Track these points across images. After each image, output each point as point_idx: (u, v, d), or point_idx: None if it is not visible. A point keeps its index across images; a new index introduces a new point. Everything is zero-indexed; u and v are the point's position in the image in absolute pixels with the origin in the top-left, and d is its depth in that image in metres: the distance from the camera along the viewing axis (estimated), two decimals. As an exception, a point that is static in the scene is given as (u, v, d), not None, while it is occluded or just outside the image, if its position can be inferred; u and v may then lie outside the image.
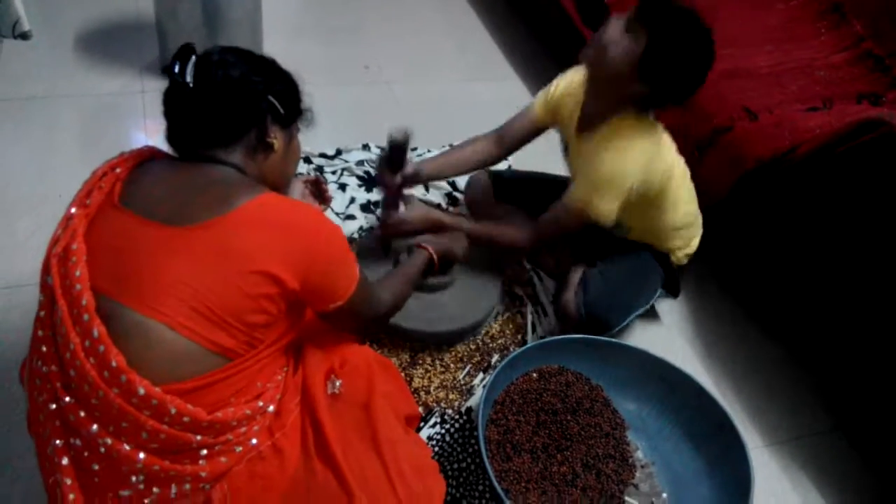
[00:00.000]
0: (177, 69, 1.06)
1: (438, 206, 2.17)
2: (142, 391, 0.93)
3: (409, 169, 1.75)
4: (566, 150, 1.80)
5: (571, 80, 1.74)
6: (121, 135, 2.28)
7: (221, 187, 1.04)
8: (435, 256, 1.66)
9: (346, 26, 3.04)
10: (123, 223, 1.02)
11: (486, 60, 3.00)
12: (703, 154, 1.94)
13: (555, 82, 1.78)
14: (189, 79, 1.05)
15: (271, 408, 1.12)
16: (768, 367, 1.93)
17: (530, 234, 1.71)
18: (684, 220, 1.77)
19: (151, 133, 2.28)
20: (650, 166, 1.55)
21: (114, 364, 0.93)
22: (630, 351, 1.63)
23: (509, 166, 2.34)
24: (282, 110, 1.13)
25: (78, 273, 0.98)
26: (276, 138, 1.13)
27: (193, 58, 1.07)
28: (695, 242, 1.84)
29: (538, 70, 2.92)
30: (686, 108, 2.04)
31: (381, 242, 1.88)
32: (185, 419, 0.97)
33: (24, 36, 2.10)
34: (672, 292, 1.90)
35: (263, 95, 1.10)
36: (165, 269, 0.97)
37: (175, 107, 1.10)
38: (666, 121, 1.79)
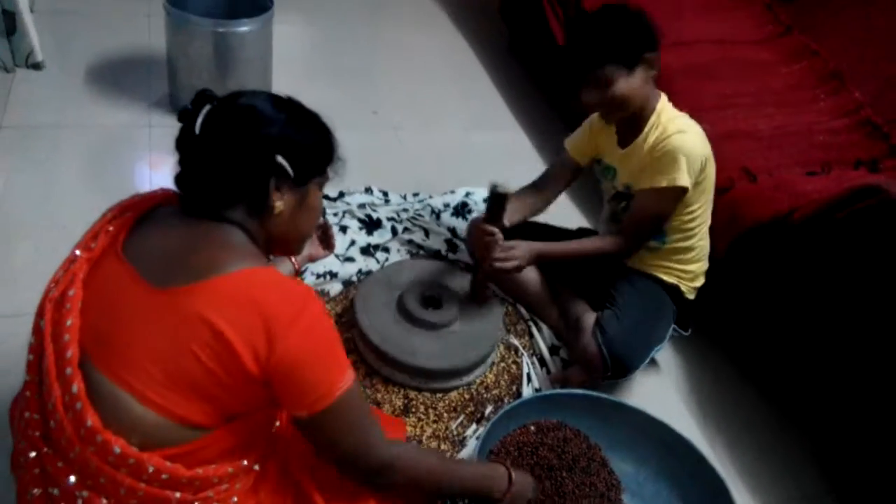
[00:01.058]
0: (188, 114, 1.02)
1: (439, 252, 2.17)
2: (118, 450, 0.91)
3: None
4: (605, 172, 1.87)
5: (595, 120, 1.86)
6: (126, 167, 2.30)
7: (213, 250, 0.98)
8: (510, 493, 1.26)
9: (355, 71, 3.10)
10: (118, 276, 0.99)
11: (489, 110, 3.04)
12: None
13: (582, 128, 1.90)
14: (198, 128, 1.00)
15: (256, 466, 1.08)
16: (763, 428, 1.92)
17: (625, 237, 1.75)
18: (704, 236, 1.82)
19: (156, 167, 2.29)
20: (705, 143, 1.68)
21: (89, 423, 0.91)
22: (631, 411, 1.62)
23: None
24: (291, 171, 1.02)
25: (69, 322, 0.95)
26: (282, 200, 1.04)
27: (208, 106, 1.01)
28: (702, 276, 1.87)
29: (539, 121, 2.97)
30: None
31: (478, 288, 1.89)
32: (164, 476, 0.94)
33: (37, 66, 2.13)
34: (683, 326, 1.90)
35: (270, 155, 1.01)
36: (138, 337, 0.94)
37: (183, 153, 1.04)
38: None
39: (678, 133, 1.64)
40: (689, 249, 1.81)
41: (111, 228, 1.04)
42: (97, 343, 0.96)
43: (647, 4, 2.68)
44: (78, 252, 1.03)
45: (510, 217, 1.81)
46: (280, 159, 1.01)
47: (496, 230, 1.73)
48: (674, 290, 1.84)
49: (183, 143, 1.03)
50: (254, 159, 1.01)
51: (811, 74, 2.45)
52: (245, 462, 1.05)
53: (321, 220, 1.60)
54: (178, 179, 1.05)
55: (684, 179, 1.62)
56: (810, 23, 2.66)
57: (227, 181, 1.01)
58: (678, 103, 2.23)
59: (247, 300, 0.93)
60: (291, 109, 1.07)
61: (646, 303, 1.81)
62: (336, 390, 0.98)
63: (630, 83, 1.61)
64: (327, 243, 1.58)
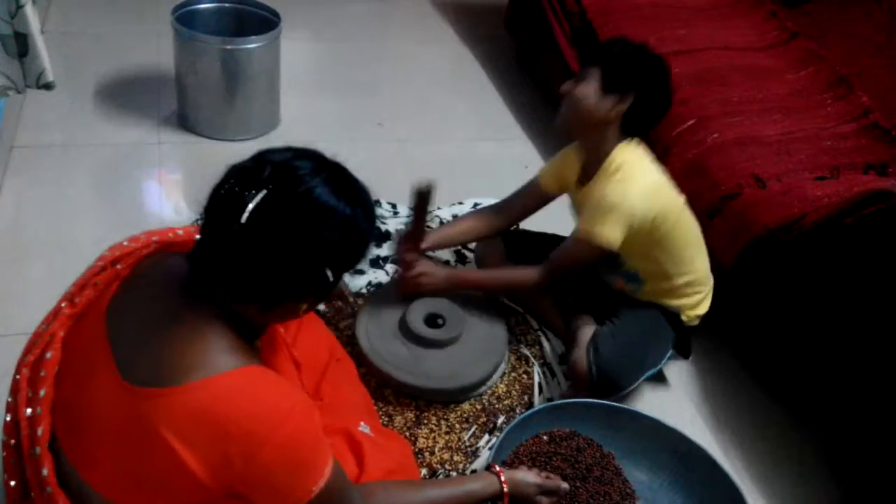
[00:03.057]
0: (238, 191, 0.85)
1: (447, 262, 2.17)
2: None
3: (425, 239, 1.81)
4: (572, 208, 1.87)
5: (570, 150, 1.83)
6: (136, 184, 2.32)
7: (188, 348, 0.86)
8: (506, 498, 1.25)
9: (361, 84, 3.11)
10: (95, 346, 0.90)
11: (496, 120, 3.05)
12: (711, 221, 1.95)
13: (558, 155, 1.87)
14: (244, 218, 0.83)
15: None
16: (777, 435, 1.91)
17: (542, 272, 1.71)
18: (693, 274, 1.77)
19: (166, 183, 2.31)
20: (653, 197, 1.62)
21: None
22: (644, 420, 1.61)
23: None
24: (331, 278, 0.91)
25: (42, 392, 0.91)
26: (307, 302, 0.95)
27: (262, 193, 0.84)
28: (705, 304, 1.84)
29: (547, 131, 2.96)
30: (695, 175, 2.07)
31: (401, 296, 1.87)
32: None
33: (48, 86, 2.16)
34: (683, 353, 1.89)
35: (321, 268, 0.90)
36: (98, 430, 0.88)
37: (213, 233, 0.89)
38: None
39: (617, 183, 1.59)
40: (675, 288, 1.77)
41: (98, 282, 0.97)
42: (67, 429, 0.91)
43: (654, 13, 2.72)
44: (63, 305, 0.98)
45: (465, 235, 1.91)
46: (328, 272, 0.91)
47: (415, 256, 1.80)
48: (674, 318, 1.82)
49: (212, 220, 0.88)
50: (300, 272, 0.89)
51: (818, 80, 2.45)
52: None
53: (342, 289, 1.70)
54: (196, 256, 0.92)
55: (604, 236, 1.58)
56: (816, 28, 2.66)
57: (256, 283, 0.89)
58: (685, 111, 2.25)
59: (211, 420, 0.83)
60: (353, 200, 0.91)
61: (644, 326, 1.79)
62: (310, 493, 0.90)
63: (593, 98, 1.57)
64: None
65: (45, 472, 0.89)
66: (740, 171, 2.01)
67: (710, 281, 1.84)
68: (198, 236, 0.92)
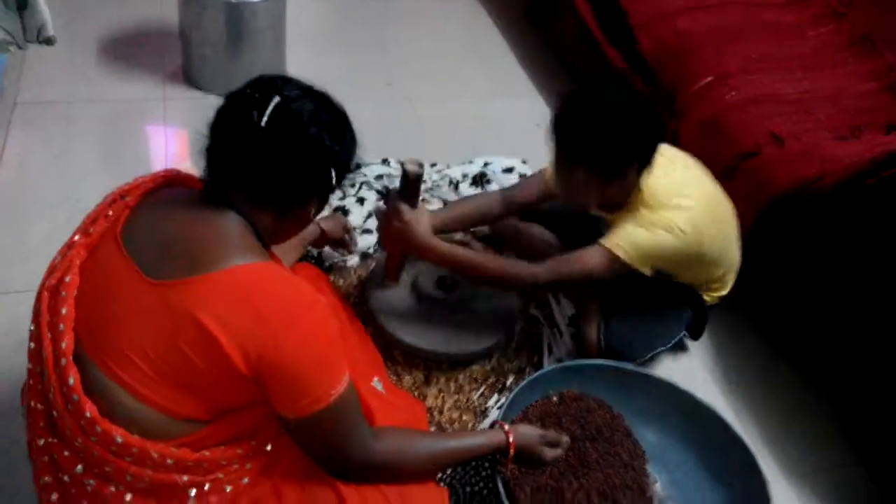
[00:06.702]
0: (252, 101, 0.95)
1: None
2: (120, 439, 0.90)
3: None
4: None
5: None
6: (141, 141, 2.29)
7: (211, 241, 0.94)
8: (512, 449, 1.25)
9: (369, 41, 3.05)
10: (114, 263, 0.95)
11: (507, 77, 2.99)
12: (727, 180, 1.91)
13: None
14: (265, 121, 0.93)
15: (269, 446, 1.06)
16: (790, 399, 1.89)
17: (546, 275, 1.54)
18: (727, 267, 1.73)
19: (171, 140, 2.28)
20: (702, 226, 1.52)
21: (88, 415, 0.90)
22: (654, 381, 1.60)
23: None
24: (334, 182, 1.02)
25: (64, 311, 0.94)
26: (312, 207, 1.05)
27: (276, 99, 0.95)
28: (731, 282, 1.80)
29: (558, 87, 2.90)
30: (712, 133, 2.02)
31: (388, 265, 1.77)
32: (170, 461, 0.93)
33: (49, 41, 2.11)
34: (693, 335, 1.85)
35: (326, 168, 1.00)
36: (128, 330, 0.91)
37: (227, 138, 0.97)
38: (689, 147, 1.77)
39: (657, 223, 1.48)
40: (708, 280, 1.72)
41: (111, 213, 1.02)
42: (90, 334, 0.94)
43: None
44: (76, 237, 1.01)
45: (472, 219, 1.76)
46: (332, 173, 1.01)
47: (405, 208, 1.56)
48: (695, 297, 1.77)
49: (231, 129, 0.96)
50: (311, 170, 0.99)
51: (839, 37, 2.38)
52: (254, 443, 1.03)
53: (344, 221, 1.77)
54: (212, 165, 0.99)
55: (636, 265, 1.50)
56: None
57: (273, 183, 0.98)
58: (704, 68, 2.19)
59: (242, 300, 0.90)
60: (338, 116, 1.03)
61: (661, 303, 1.75)
62: (328, 397, 0.95)
63: (599, 190, 1.47)
64: (347, 247, 1.77)
65: (71, 380, 0.91)
66: (758, 130, 1.96)
67: (738, 258, 1.77)
68: (208, 148, 0.99)
